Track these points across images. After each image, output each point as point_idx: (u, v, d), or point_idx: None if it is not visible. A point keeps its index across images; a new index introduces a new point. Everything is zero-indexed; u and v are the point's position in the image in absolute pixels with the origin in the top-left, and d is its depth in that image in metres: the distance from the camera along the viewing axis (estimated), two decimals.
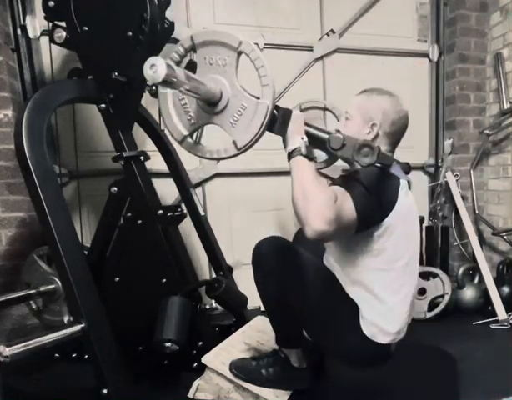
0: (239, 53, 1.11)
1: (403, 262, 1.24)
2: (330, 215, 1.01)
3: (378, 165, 1.15)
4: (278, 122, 1.19)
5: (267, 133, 1.17)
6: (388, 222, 1.17)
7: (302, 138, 1.16)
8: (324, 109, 1.77)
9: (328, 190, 1.09)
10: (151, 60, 0.89)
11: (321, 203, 1.02)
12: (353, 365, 1.39)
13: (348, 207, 1.09)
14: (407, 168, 1.31)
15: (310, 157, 1.15)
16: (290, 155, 1.15)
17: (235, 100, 1.13)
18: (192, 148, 1.22)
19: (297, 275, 1.27)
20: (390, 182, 1.20)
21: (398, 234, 1.20)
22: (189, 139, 1.21)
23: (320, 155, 1.38)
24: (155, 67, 0.89)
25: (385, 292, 1.24)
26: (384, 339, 1.27)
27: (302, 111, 2.07)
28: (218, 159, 1.25)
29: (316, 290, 1.28)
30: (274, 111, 1.17)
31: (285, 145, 1.20)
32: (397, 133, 1.30)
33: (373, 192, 1.13)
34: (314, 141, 1.21)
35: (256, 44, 1.11)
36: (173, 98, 1.20)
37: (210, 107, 1.15)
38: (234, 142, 1.15)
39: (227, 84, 1.13)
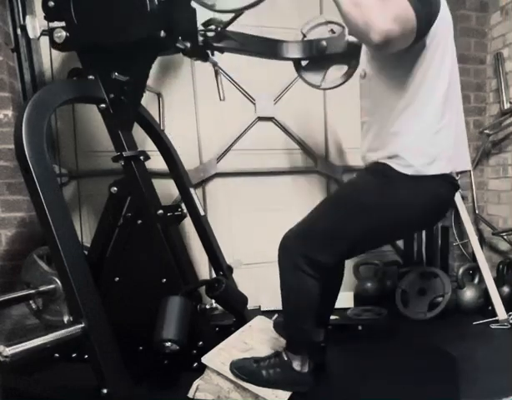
0: None
1: (445, 86, 1.23)
2: (390, 12, 1.01)
3: None
4: None
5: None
6: (435, 29, 1.16)
7: None
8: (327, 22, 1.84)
9: None
10: None
11: (377, 4, 1.02)
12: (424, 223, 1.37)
13: (405, 4, 1.07)
14: None
15: None
16: None
17: None
18: None
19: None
20: None
21: (442, 49, 1.20)
22: None
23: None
24: None
25: (431, 113, 1.23)
26: (437, 167, 1.24)
27: (305, 34, 2.01)
28: None
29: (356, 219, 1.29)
30: None
31: None
32: None
33: None
34: None
35: None
36: None
37: None
38: None
39: None
